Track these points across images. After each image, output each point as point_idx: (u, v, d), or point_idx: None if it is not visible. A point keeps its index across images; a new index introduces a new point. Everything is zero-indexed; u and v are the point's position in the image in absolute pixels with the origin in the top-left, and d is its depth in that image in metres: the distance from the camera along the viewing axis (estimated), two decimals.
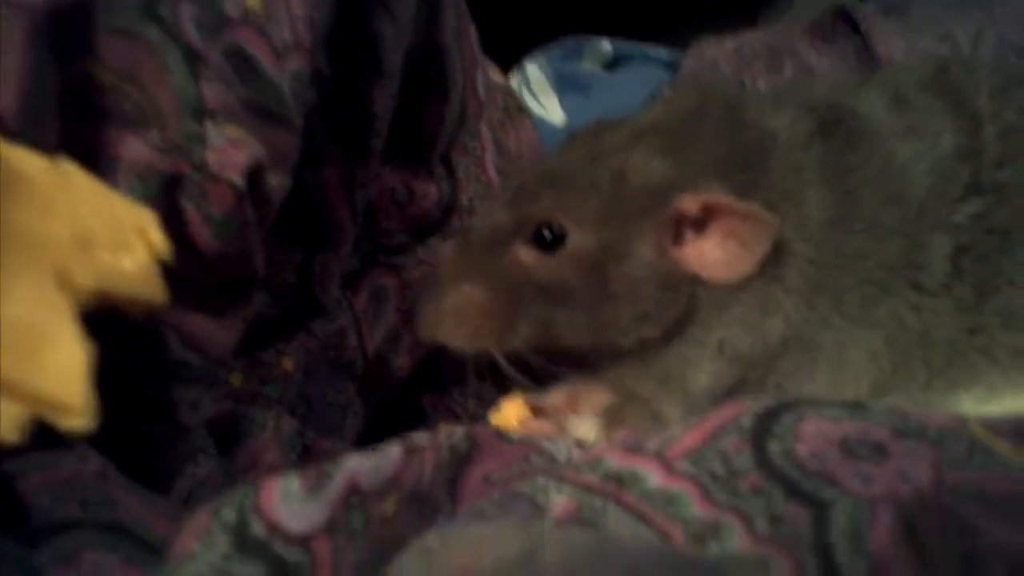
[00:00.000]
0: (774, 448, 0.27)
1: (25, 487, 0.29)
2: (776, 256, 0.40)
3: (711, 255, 0.40)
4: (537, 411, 0.44)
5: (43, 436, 0.26)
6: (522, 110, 0.63)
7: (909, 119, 0.43)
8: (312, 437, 0.46)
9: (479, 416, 0.51)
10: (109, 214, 0.31)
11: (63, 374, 0.25)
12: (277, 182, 0.38)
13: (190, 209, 0.35)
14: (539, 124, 0.93)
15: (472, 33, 0.52)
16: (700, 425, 0.29)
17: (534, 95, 0.99)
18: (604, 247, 0.40)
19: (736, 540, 0.24)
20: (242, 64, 0.36)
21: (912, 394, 0.42)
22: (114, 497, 0.31)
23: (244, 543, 0.27)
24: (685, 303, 0.41)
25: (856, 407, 0.29)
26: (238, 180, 0.35)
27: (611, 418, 0.43)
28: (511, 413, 0.44)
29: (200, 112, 0.34)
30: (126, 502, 0.31)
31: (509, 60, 1.01)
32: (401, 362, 0.51)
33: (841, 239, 0.41)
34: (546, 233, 0.40)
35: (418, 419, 0.53)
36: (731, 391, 0.42)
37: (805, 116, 0.43)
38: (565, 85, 0.99)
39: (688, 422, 0.30)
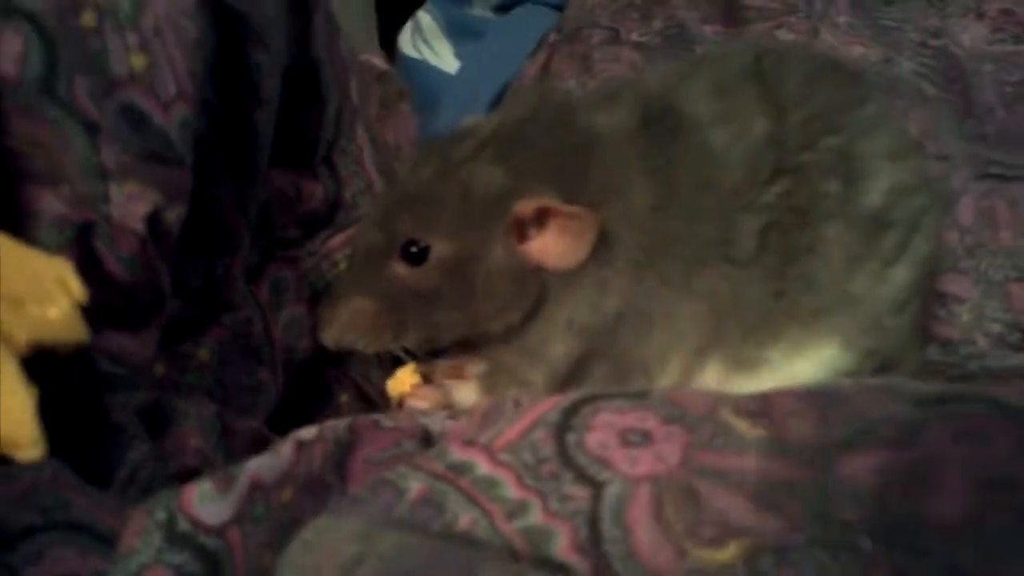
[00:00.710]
0: (570, 439, 0.35)
1: None
2: (606, 243, 0.45)
3: (550, 248, 0.45)
4: (426, 378, 0.51)
5: None
6: (401, 95, 0.68)
7: (727, 106, 0.48)
8: (230, 418, 0.52)
9: (377, 385, 0.58)
10: (31, 271, 0.35)
11: (14, 417, 0.30)
12: (175, 215, 0.44)
13: (103, 249, 0.41)
14: (434, 72, 0.98)
15: (342, 44, 0.58)
16: (520, 420, 0.37)
17: (428, 43, 1.01)
18: (463, 253, 0.45)
19: (536, 515, 0.32)
20: (134, 119, 0.42)
21: (730, 352, 0.48)
22: (68, 499, 0.37)
23: (174, 537, 0.35)
24: (537, 290, 0.46)
25: (640, 397, 0.37)
26: (140, 228, 0.41)
27: (487, 384, 0.49)
28: (404, 380, 0.51)
29: (101, 174, 0.40)
30: (78, 502, 0.37)
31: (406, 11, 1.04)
32: (304, 344, 0.57)
33: (663, 223, 0.46)
34: (413, 249, 0.46)
35: (323, 392, 0.60)
36: (584, 357, 0.48)
37: (632, 112, 0.47)
38: (457, 31, 1.01)
39: (512, 416, 0.38)
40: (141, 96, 0.42)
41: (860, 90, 0.51)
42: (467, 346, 0.50)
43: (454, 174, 0.46)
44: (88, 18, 0.41)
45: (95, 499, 0.39)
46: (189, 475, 0.39)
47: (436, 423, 0.44)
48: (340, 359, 0.59)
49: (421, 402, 0.50)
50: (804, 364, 0.49)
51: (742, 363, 0.49)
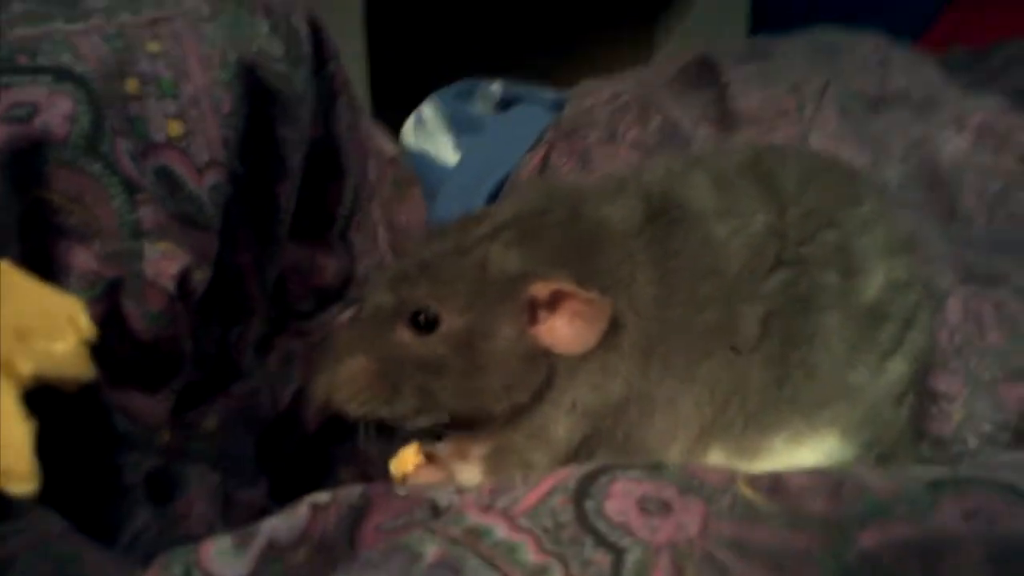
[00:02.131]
0: (589, 505, 0.35)
1: (8, 551, 0.35)
2: (612, 329, 0.45)
3: (561, 332, 0.46)
4: (430, 458, 0.51)
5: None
6: (410, 181, 0.70)
7: (728, 200, 0.49)
8: (233, 488, 0.52)
9: (380, 462, 0.58)
10: (42, 306, 0.36)
11: (11, 449, 0.29)
12: (201, 277, 0.45)
13: (130, 307, 0.42)
14: (433, 165, 1.00)
15: (363, 125, 0.60)
16: (538, 487, 0.37)
17: (429, 136, 1.04)
18: (472, 328, 0.46)
19: None
20: (169, 182, 0.43)
21: (733, 438, 0.48)
22: (77, 553, 0.37)
23: None
24: (544, 372, 0.46)
25: (655, 469, 0.37)
26: (170, 285, 0.42)
27: (492, 464, 0.49)
28: (407, 459, 0.51)
29: (138, 232, 0.41)
30: (88, 558, 0.37)
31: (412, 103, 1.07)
32: (308, 416, 0.58)
33: (666, 311, 0.46)
34: (421, 318, 0.46)
35: (325, 468, 0.60)
36: (588, 440, 0.48)
37: (637, 205, 0.48)
38: (459, 126, 1.03)
39: (530, 482, 0.38)
40: (177, 161, 0.43)
41: (856, 188, 0.53)
42: (462, 425, 0.50)
43: (472, 251, 0.47)
44: (132, 85, 0.43)
45: (103, 555, 0.39)
46: (193, 542, 0.39)
47: (444, 497, 0.44)
48: (344, 435, 0.59)
49: (424, 481, 0.50)
50: (805, 454, 0.49)
51: (744, 450, 0.49)
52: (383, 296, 0.48)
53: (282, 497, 0.54)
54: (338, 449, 0.61)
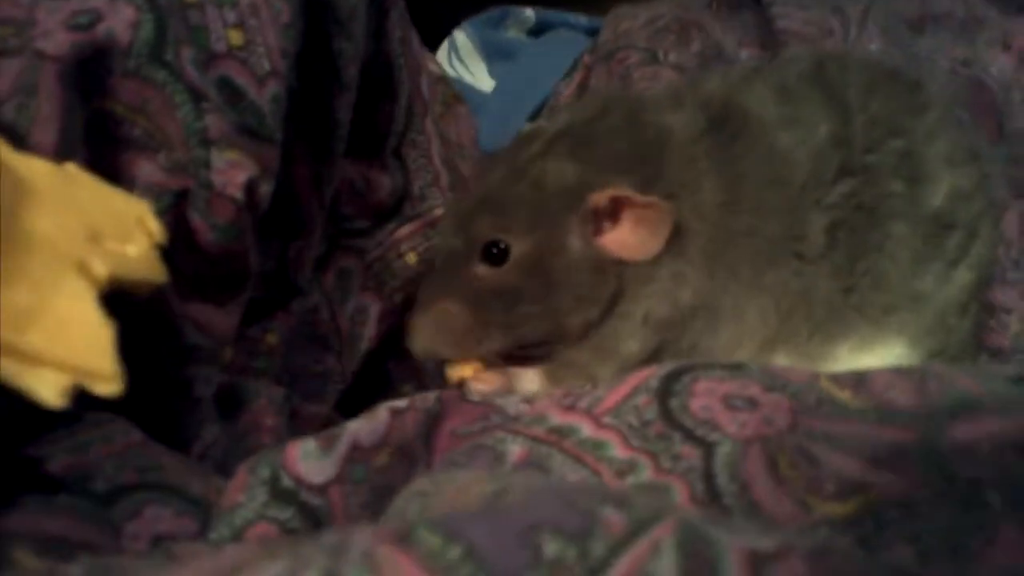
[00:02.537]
0: (674, 403, 0.35)
1: (91, 457, 0.36)
2: (679, 236, 0.45)
3: (626, 240, 0.45)
4: (488, 365, 0.50)
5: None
6: (457, 98, 0.69)
7: (791, 110, 0.48)
8: (298, 402, 0.52)
9: (438, 378, 0.59)
10: (112, 208, 0.36)
11: (94, 348, 0.29)
12: (266, 190, 0.45)
13: (197, 219, 0.42)
14: (469, 91, 1.00)
15: (415, 41, 0.59)
16: (619, 387, 0.37)
17: (463, 62, 1.03)
18: (541, 249, 0.45)
19: (647, 474, 0.33)
20: (231, 92, 0.43)
21: (798, 346, 0.49)
22: (159, 462, 0.37)
23: (278, 493, 0.35)
24: (614, 283, 0.46)
25: (736, 368, 0.37)
26: (239, 195, 0.42)
27: (552, 375, 0.49)
28: (466, 366, 0.51)
29: (205, 141, 0.41)
30: (168, 466, 0.38)
31: (442, 31, 1.06)
32: (369, 333, 0.58)
33: (732, 219, 0.46)
34: (494, 251, 0.46)
35: (384, 383, 0.60)
36: (654, 352, 0.48)
37: (698, 113, 0.48)
38: (492, 52, 1.03)
39: (609, 384, 0.38)
40: (237, 70, 0.43)
41: (920, 97, 0.52)
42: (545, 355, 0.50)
43: (525, 173, 0.47)
44: None
45: (183, 463, 0.40)
46: None
47: (511, 406, 0.44)
48: (402, 352, 0.60)
49: (482, 385, 0.50)
50: (871, 361, 0.49)
51: (810, 358, 0.49)
52: (452, 239, 0.48)
53: (347, 412, 0.54)
54: (397, 363, 0.61)
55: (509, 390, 0.49)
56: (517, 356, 0.48)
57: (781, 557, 0.23)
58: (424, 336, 0.47)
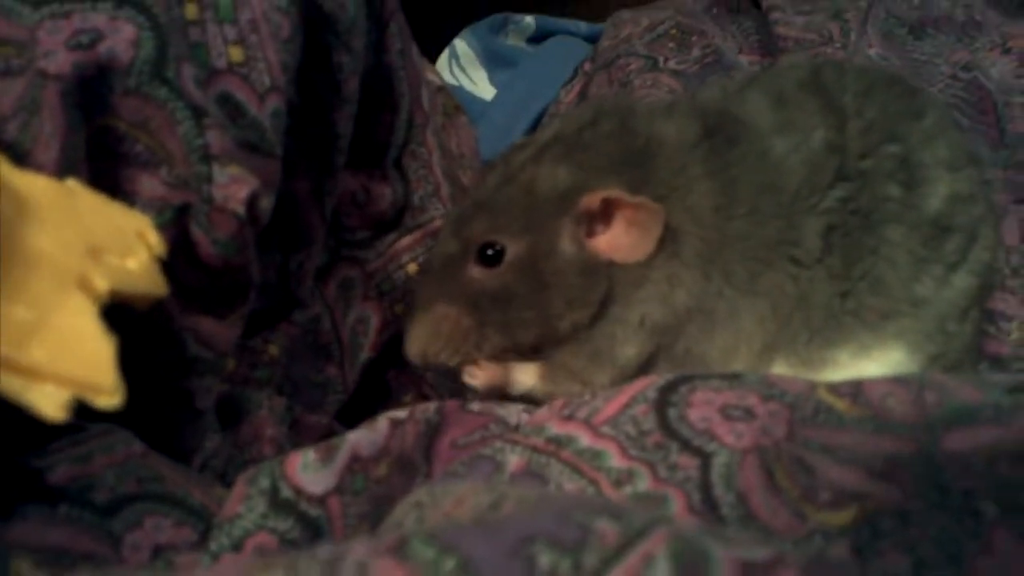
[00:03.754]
0: (672, 413, 0.36)
1: (93, 468, 0.36)
2: (672, 237, 0.46)
3: (619, 241, 0.46)
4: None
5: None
6: (458, 108, 0.70)
7: (787, 116, 0.49)
8: (299, 412, 0.53)
9: (438, 387, 0.59)
10: (112, 223, 0.36)
11: (95, 363, 0.29)
12: (266, 204, 0.45)
13: (198, 233, 0.42)
14: (470, 99, 1.00)
15: (415, 52, 0.59)
16: (617, 397, 0.37)
17: (464, 71, 1.03)
18: (534, 250, 0.46)
19: (645, 483, 0.33)
20: (232, 108, 0.43)
21: (796, 352, 0.49)
22: (160, 472, 0.38)
23: (277, 503, 0.35)
24: (605, 285, 0.47)
25: (734, 378, 0.38)
26: (240, 210, 0.42)
27: (548, 376, 0.49)
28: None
29: (206, 156, 0.41)
30: (169, 476, 0.38)
31: (441, 40, 1.07)
32: (369, 342, 0.58)
33: (726, 223, 0.47)
34: (489, 252, 0.46)
35: (385, 393, 0.61)
36: (650, 358, 0.48)
37: (692, 121, 0.48)
38: (493, 60, 1.03)
39: (607, 395, 0.38)
40: (238, 86, 0.43)
41: (917, 102, 0.52)
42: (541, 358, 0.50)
43: (518, 177, 0.47)
44: (191, 10, 0.42)
45: (184, 474, 0.40)
46: None
47: (513, 415, 0.45)
48: (403, 361, 0.60)
49: (477, 375, 0.50)
50: (871, 367, 0.49)
51: (808, 364, 0.49)
52: (448, 243, 0.48)
53: (347, 422, 0.55)
54: (397, 373, 0.61)
55: (504, 382, 0.50)
56: (513, 359, 0.49)
57: (774, 568, 0.23)
58: (420, 341, 0.48)
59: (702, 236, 0.47)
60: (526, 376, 0.50)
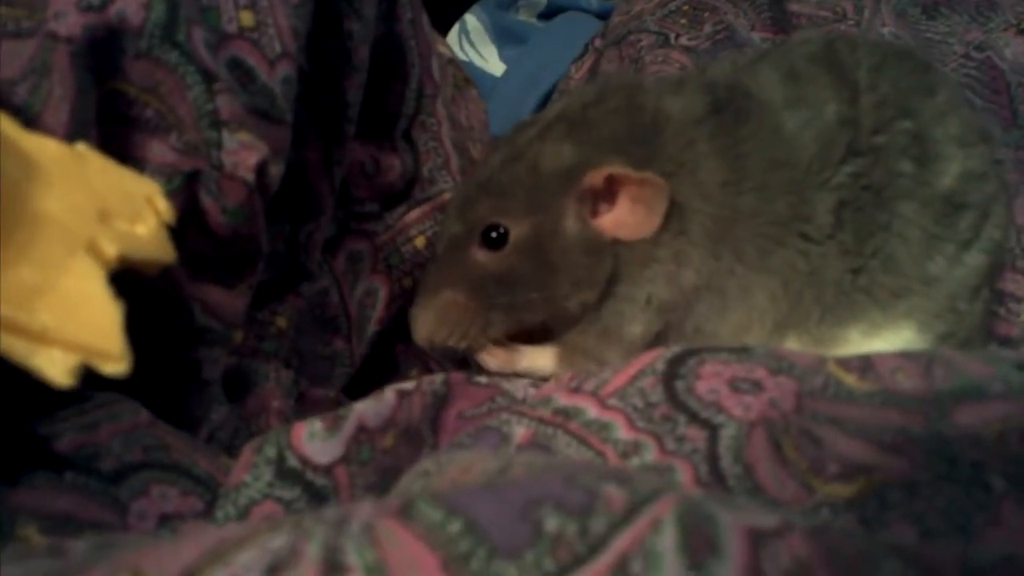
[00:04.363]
0: (680, 386, 0.35)
1: (99, 436, 0.36)
2: (680, 215, 0.45)
3: (624, 219, 0.46)
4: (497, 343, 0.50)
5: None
6: (468, 81, 0.69)
7: (799, 91, 0.48)
8: (305, 385, 0.53)
9: (443, 360, 0.59)
10: (122, 188, 0.36)
11: (102, 328, 0.29)
12: (276, 171, 0.45)
13: (208, 200, 0.41)
14: (480, 75, 0.99)
15: (425, 23, 0.59)
16: (625, 370, 0.37)
17: (474, 46, 1.03)
18: (539, 231, 0.46)
19: (651, 455, 0.33)
20: (242, 74, 0.43)
21: (808, 330, 0.49)
22: (166, 442, 0.38)
23: (283, 472, 0.35)
24: (611, 264, 0.46)
25: (742, 352, 0.37)
26: (250, 177, 0.42)
27: (562, 360, 0.49)
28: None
29: (216, 122, 0.41)
30: (175, 445, 0.38)
31: (451, 16, 1.06)
32: (377, 316, 0.58)
33: (736, 199, 0.46)
34: (493, 234, 0.46)
35: (392, 367, 0.60)
36: (659, 335, 0.48)
37: (700, 96, 0.48)
38: (503, 36, 1.03)
39: (616, 367, 0.38)
40: (248, 52, 0.43)
41: (930, 78, 0.51)
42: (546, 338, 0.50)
43: (522, 156, 0.47)
44: None
45: (190, 443, 0.40)
46: None
47: (518, 389, 0.45)
48: (409, 336, 0.60)
49: (490, 359, 0.50)
50: (881, 345, 0.49)
51: (820, 341, 0.49)
52: (453, 226, 0.48)
53: (354, 396, 0.55)
54: (404, 347, 0.61)
55: (519, 366, 0.50)
56: (521, 339, 0.48)
57: (781, 534, 0.23)
58: (427, 326, 0.48)
59: (711, 213, 0.46)
60: (544, 360, 0.49)
